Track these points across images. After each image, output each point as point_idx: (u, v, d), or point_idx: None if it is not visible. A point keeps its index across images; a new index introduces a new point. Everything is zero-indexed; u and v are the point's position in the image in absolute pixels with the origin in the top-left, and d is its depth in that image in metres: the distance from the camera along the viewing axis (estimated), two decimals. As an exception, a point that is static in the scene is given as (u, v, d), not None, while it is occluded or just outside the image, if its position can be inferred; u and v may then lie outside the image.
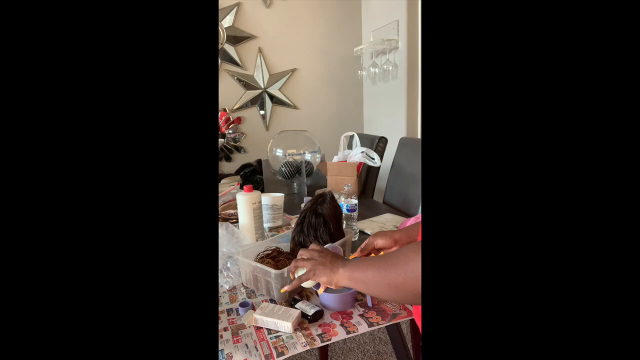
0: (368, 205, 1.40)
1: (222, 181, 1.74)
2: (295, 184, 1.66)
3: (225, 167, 2.42)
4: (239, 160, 2.41)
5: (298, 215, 0.87)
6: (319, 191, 0.95)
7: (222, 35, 2.28)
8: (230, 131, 2.40)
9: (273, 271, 0.68)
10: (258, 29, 2.36)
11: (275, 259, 0.78)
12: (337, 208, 0.87)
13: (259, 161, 1.88)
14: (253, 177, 1.71)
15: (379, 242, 0.71)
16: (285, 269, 0.69)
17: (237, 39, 2.31)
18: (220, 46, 2.28)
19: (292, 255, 0.81)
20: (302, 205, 1.15)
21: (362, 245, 0.74)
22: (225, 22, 2.27)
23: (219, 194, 1.36)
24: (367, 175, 1.62)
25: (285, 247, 0.87)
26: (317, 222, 0.83)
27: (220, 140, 2.38)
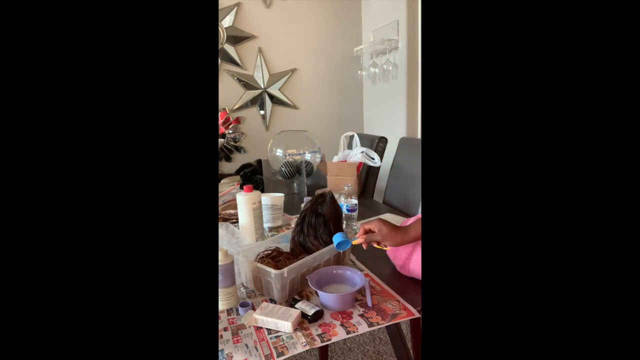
0: (368, 205, 1.40)
1: (222, 181, 1.74)
2: (295, 184, 1.66)
3: (225, 167, 2.42)
4: (238, 160, 2.41)
5: (298, 215, 0.88)
6: (319, 191, 0.95)
7: (222, 35, 2.27)
8: (230, 131, 2.40)
9: (273, 271, 0.68)
10: (258, 29, 2.36)
11: (275, 259, 0.78)
12: (337, 208, 0.87)
13: (259, 161, 1.88)
14: (253, 177, 1.71)
15: (366, 226, 0.76)
16: (286, 269, 0.68)
17: (237, 39, 2.31)
18: (220, 46, 2.28)
19: (292, 255, 0.81)
20: (302, 205, 1.14)
21: (359, 234, 0.77)
22: (225, 22, 2.27)
23: (219, 194, 1.36)
24: (367, 175, 1.62)
25: (285, 247, 0.87)
26: (317, 222, 0.83)
27: (220, 140, 2.38)
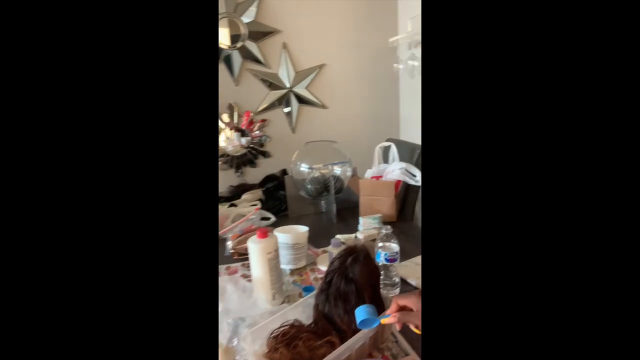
0: (408, 233, 1.18)
1: (243, 196, 1.58)
2: (322, 202, 1.47)
3: (249, 174, 2.27)
4: (263, 166, 2.26)
5: (326, 251, 0.68)
6: (348, 241, 0.76)
7: (244, 31, 2.09)
8: (257, 132, 2.24)
9: (286, 379, 0.50)
10: (282, 22, 2.15)
11: (292, 342, 0.60)
12: (372, 270, 0.67)
13: (284, 172, 1.70)
14: (276, 193, 1.54)
15: (402, 301, 0.59)
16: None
17: (259, 34, 2.12)
18: (241, 44, 2.10)
19: (314, 334, 0.62)
20: (329, 247, 0.95)
21: (391, 310, 0.59)
22: (247, 16, 2.08)
23: (235, 222, 1.19)
24: (405, 195, 1.39)
25: (308, 310, 0.69)
26: (348, 289, 0.64)
27: (245, 142, 2.22)
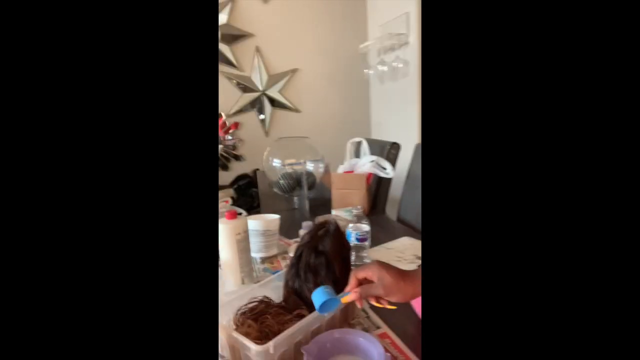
0: (380, 224, 1.19)
1: (214, 195, 1.54)
2: (295, 198, 1.46)
3: (221, 176, 2.23)
4: (236, 169, 2.22)
5: (297, 241, 0.67)
6: (320, 218, 0.75)
7: (216, 33, 2.09)
8: (230, 137, 2.22)
9: (253, 346, 0.48)
10: (255, 27, 2.17)
11: (261, 317, 0.58)
12: (343, 243, 0.66)
13: (257, 171, 1.68)
14: (248, 190, 1.51)
15: (360, 274, 0.56)
16: (272, 344, 0.48)
17: (232, 37, 2.13)
18: (213, 46, 2.10)
19: (283, 309, 0.61)
20: (300, 231, 0.94)
21: (350, 286, 0.56)
22: (219, 19, 2.09)
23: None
24: (377, 188, 1.41)
25: (278, 290, 0.67)
26: (318, 262, 0.63)
27: (219, 148, 2.19)
